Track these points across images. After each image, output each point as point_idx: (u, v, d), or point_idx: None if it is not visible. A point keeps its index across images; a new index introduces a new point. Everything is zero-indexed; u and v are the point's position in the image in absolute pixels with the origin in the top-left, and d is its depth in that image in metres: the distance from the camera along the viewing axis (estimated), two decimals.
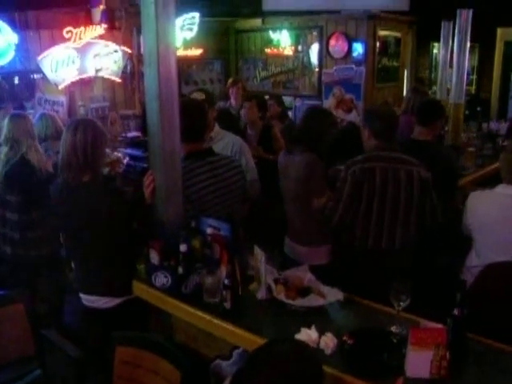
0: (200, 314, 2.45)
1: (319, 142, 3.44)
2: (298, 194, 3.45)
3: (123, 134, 7.02)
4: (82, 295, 2.99)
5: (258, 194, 3.71)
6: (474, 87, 10.49)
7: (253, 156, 4.18)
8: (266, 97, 6.55)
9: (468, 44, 5.68)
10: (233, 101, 6.48)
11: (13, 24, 6.09)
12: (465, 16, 5.51)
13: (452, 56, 6.36)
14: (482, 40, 9.76)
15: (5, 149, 3.96)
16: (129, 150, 6.44)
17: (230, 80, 6.98)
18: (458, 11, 5.61)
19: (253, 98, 5.32)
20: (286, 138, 5.43)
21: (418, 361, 1.93)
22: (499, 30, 9.81)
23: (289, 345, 1.75)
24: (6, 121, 4.02)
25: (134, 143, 6.70)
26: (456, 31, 5.72)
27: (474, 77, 10.50)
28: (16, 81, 6.45)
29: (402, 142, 3.86)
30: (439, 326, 2.06)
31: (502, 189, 3.07)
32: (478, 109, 8.51)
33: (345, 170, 3.16)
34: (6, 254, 4.13)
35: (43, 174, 3.91)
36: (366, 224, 3.13)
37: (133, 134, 7.09)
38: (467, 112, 8.01)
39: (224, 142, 3.72)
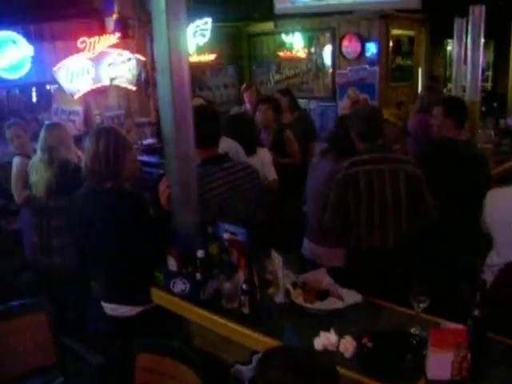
0: (219, 319, 2.46)
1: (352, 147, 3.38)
2: (323, 197, 3.44)
3: (139, 142, 7.07)
4: (103, 303, 3.01)
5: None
6: (489, 83, 10.39)
7: None
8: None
9: (482, 40, 5.63)
10: (247, 105, 6.48)
11: (28, 36, 6.17)
12: (478, 12, 5.46)
13: (466, 53, 6.30)
14: (497, 36, 9.66)
15: (44, 156, 4.06)
16: (145, 157, 6.48)
17: (244, 85, 6.98)
18: (470, 7, 5.56)
19: (267, 101, 5.21)
20: (300, 131, 5.38)
21: (439, 362, 1.91)
22: None
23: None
24: (42, 131, 4.16)
25: (149, 150, 6.74)
26: (469, 28, 5.67)
27: (490, 73, 10.40)
28: (33, 92, 6.54)
29: (442, 141, 3.83)
30: (459, 326, 2.04)
31: None
32: (495, 105, 8.43)
33: (331, 178, 3.16)
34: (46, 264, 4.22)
35: None
36: (357, 226, 3.12)
37: (148, 141, 7.13)
38: (484, 108, 7.94)
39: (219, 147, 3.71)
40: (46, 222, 4.12)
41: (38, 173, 4.08)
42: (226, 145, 3.77)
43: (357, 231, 3.12)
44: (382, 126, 3.32)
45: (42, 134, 4.12)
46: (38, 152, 4.14)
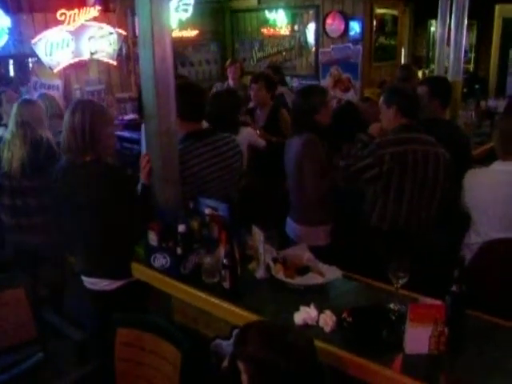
0: (199, 294, 2.46)
1: (312, 120, 3.38)
2: (294, 173, 3.46)
3: (120, 117, 7.00)
4: (83, 277, 3.00)
5: None
6: (472, 65, 10.43)
7: None
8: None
9: (466, 21, 5.65)
10: (231, 81, 6.45)
11: (5, 7, 6.04)
12: None
13: (450, 33, 6.31)
14: (480, 17, 9.67)
15: (18, 132, 3.89)
16: (126, 133, 6.43)
17: (228, 60, 6.94)
18: None
19: (259, 80, 5.14)
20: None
21: (417, 337, 1.94)
22: (497, 7, 9.71)
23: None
24: (15, 106, 3.98)
25: (130, 126, 6.68)
26: (454, 8, 5.68)
27: (472, 54, 10.43)
28: (11, 65, 6.41)
29: (424, 121, 3.84)
30: (438, 302, 2.06)
31: (497, 165, 3.06)
32: (477, 86, 8.47)
33: (376, 153, 3.12)
34: (23, 242, 4.10)
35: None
36: (397, 206, 3.15)
37: (129, 116, 7.08)
38: (465, 90, 7.97)
39: None
40: (22, 202, 3.98)
41: (11, 149, 3.89)
42: None
43: (396, 211, 3.15)
44: (420, 104, 3.38)
45: (16, 109, 3.93)
46: (12, 127, 3.94)
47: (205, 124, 3.33)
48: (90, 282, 2.97)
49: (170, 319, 2.79)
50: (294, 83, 8.35)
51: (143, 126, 3.82)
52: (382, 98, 3.35)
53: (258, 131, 4.72)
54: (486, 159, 3.71)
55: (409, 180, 3.09)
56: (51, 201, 3.72)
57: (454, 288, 2.02)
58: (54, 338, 3.25)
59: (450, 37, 6.29)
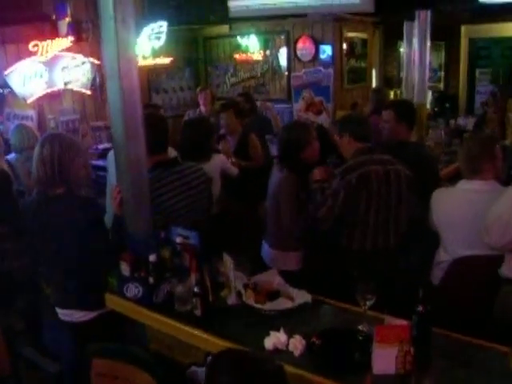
0: (171, 322, 2.48)
1: (295, 156, 3.39)
2: (271, 204, 3.49)
3: (94, 146, 7.00)
4: (58, 309, 3.00)
5: None
6: (442, 84, 10.65)
7: None
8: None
9: (428, 44, 5.80)
10: (202, 108, 6.52)
11: None
12: (423, 16, 5.63)
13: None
14: (448, 38, 9.94)
15: None
16: (101, 162, 6.42)
17: (199, 87, 7.03)
18: (416, 12, 5.73)
19: (228, 108, 5.25)
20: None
21: (384, 357, 1.98)
22: (463, 28, 9.99)
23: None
24: None
25: (105, 154, 6.66)
26: (416, 32, 5.83)
27: (442, 74, 10.66)
28: None
29: (392, 144, 3.90)
30: (403, 322, 2.11)
31: (462, 185, 3.14)
32: (447, 105, 8.66)
33: (338, 180, 3.16)
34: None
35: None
36: (365, 226, 3.20)
37: (104, 145, 7.06)
38: (436, 109, 8.15)
39: None
40: None
41: None
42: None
43: (363, 231, 3.20)
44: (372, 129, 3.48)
45: None
46: None
47: (172, 152, 3.38)
48: (64, 314, 2.97)
49: (146, 348, 2.79)
50: None
51: (109, 155, 3.86)
52: (336, 132, 3.44)
53: (232, 159, 4.76)
54: (455, 177, 3.79)
55: (374, 199, 3.15)
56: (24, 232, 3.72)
57: (419, 308, 2.07)
58: (30, 372, 3.22)
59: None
